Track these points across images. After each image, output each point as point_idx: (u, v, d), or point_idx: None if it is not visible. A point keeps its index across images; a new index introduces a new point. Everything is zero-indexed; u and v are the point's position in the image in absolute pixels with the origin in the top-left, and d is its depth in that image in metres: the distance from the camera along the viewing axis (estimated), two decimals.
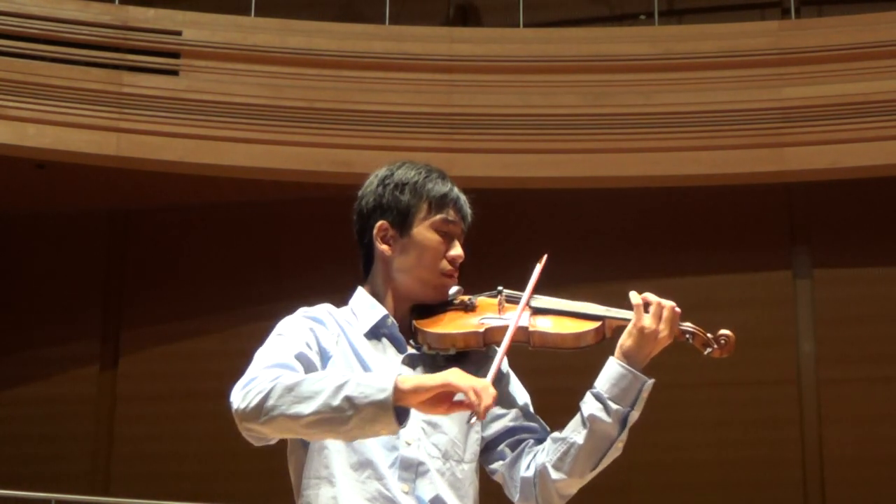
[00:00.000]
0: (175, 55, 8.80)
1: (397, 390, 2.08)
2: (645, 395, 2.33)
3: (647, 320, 2.34)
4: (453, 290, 2.47)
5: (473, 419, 2.11)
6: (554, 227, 9.17)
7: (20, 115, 8.34)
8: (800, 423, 8.96)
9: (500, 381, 2.40)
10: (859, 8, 9.39)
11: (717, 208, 9.18)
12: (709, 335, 2.39)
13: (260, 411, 2.14)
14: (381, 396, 2.08)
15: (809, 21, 9.40)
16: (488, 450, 2.46)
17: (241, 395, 2.18)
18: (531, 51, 8.97)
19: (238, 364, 2.41)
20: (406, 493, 2.29)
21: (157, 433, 9.29)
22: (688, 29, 9.34)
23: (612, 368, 2.34)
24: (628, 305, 2.40)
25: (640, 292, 2.39)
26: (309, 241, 9.25)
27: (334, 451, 2.32)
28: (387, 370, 2.36)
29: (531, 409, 2.49)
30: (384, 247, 2.45)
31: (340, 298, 2.55)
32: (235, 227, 9.64)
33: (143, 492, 8.51)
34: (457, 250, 2.46)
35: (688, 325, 2.39)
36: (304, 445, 2.37)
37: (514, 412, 2.46)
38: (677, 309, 2.36)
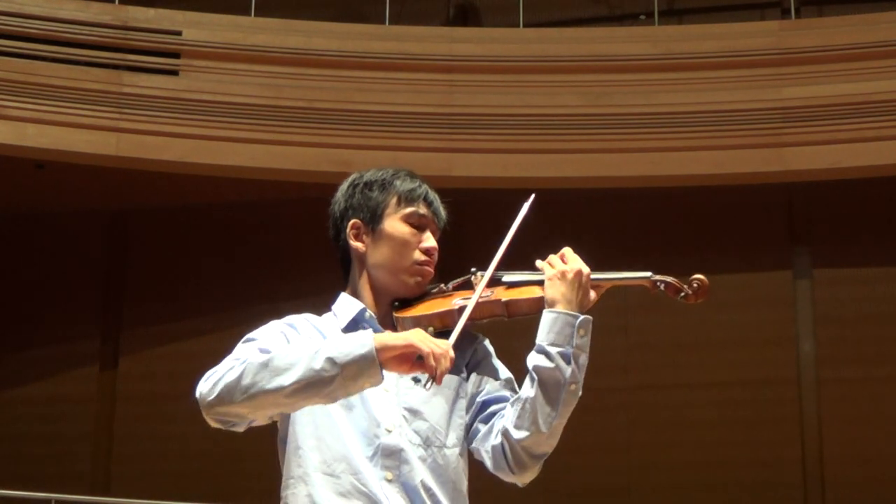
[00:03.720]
0: (175, 55, 8.80)
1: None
2: (582, 331, 2.36)
3: (552, 268, 2.41)
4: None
5: (430, 384, 2.19)
6: (553, 227, 9.14)
7: (20, 115, 8.34)
8: (800, 423, 8.96)
9: (480, 359, 2.46)
10: (859, 8, 9.39)
11: (718, 208, 9.18)
12: (681, 282, 2.45)
13: (235, 391, 2.20)
14: (363, 350, 2.17)
15: (809, 21, 9.41)
16: (466, 431, 2.47)
17: (209, 384, 2.24)
18: (531, 51, 8.96)
19: None
20: (390, 480, 2.32)
21: (157, 433, 9.29)
22: (688, 29, 9.34)
23: (544, 317, 2.38)
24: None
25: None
26: (309, 242, 9.17)
27: (308, 450, 2.35)
28: None
29: (515, 385, 2.48)
30: (358, 244, 2.50)
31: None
32: (235, 227, 9.63)
33: (143, 492, 8.51)
34: (430, 242, 2.49)
35: (659, 276, 2.46)
36: (284, 446, 2.40)
37: (488, 387, 2.47)
38: (569, 251, 2.45)
